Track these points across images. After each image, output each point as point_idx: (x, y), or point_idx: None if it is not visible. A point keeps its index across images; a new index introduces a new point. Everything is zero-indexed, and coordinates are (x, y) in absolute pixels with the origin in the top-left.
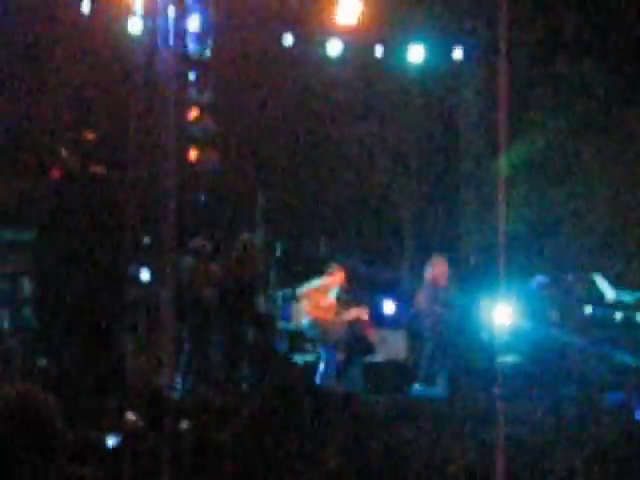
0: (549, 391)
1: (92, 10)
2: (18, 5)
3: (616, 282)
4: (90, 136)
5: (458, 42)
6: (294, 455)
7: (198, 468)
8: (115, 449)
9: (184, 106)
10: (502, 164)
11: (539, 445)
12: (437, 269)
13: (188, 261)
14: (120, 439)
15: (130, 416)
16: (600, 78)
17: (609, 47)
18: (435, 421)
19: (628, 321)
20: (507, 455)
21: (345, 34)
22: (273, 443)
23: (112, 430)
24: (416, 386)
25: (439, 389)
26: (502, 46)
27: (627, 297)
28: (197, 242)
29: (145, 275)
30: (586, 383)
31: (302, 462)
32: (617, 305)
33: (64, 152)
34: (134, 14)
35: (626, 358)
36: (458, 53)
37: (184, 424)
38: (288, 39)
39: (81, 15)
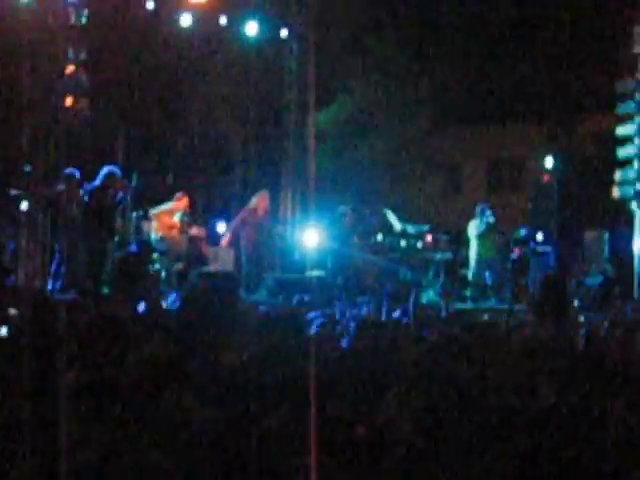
0: (348, 299)
1: None
2: None
3: (403, 217)
4: None
5: (285, 18)
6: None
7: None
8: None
9: (62, 63)
10: (313, 121)
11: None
12: (260, 201)
13: (60, 187)
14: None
15: (12, 311)
16: (398, 53)
17: (406, 28)
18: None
19: (410, 247)
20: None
21: (195, 8)
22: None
23: None
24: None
25: (261, 295)
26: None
27: (411, 229)
28: (67, 171)
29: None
30: (378, 293)
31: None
32: (403, 235)
33: None
34: None
35: (407, 274)
36: (284, 30)
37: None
38: (150, 6)
39: None
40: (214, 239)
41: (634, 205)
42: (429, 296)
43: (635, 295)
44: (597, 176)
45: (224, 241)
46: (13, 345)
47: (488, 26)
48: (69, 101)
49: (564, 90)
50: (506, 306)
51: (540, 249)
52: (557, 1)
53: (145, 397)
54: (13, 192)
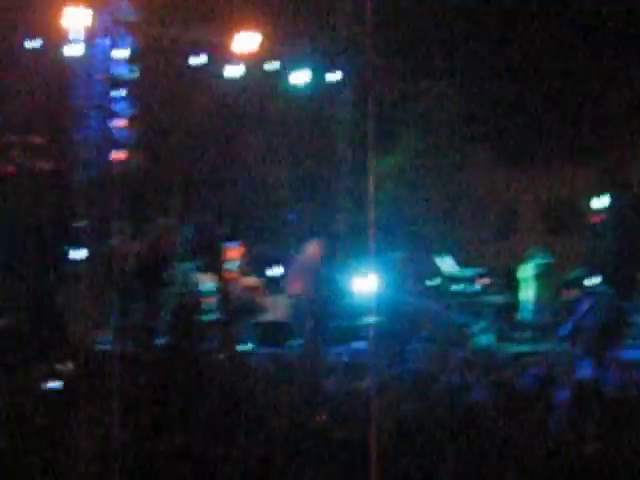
0: (405, 345)
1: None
2: None
3: (459, 261)
4: (37, 140)
5: (336, 66)
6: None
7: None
8: (56, 392)
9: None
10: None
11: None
12: (315, 249)
13: (116, 240)
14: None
15: (69, 365)
16: (453, 99)
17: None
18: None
19: (465, 291)
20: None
21: (245, 58)
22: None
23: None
24: (297, 342)
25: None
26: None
27: (465, 273)
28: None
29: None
30: (435, 339)
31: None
32: (457, 279)
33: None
34: (76, 41)
35: (459, 318)
36: (337, 75)
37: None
38: (202, 60)
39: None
40: (270, 287)
41: None
42: (485, 340)
43: None
44: None
45: (292, 288)
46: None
47: (537, 68)
48: (122, 155)
49: (618, 129)
50: (562, 348)
51: (595, 290)
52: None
53: None
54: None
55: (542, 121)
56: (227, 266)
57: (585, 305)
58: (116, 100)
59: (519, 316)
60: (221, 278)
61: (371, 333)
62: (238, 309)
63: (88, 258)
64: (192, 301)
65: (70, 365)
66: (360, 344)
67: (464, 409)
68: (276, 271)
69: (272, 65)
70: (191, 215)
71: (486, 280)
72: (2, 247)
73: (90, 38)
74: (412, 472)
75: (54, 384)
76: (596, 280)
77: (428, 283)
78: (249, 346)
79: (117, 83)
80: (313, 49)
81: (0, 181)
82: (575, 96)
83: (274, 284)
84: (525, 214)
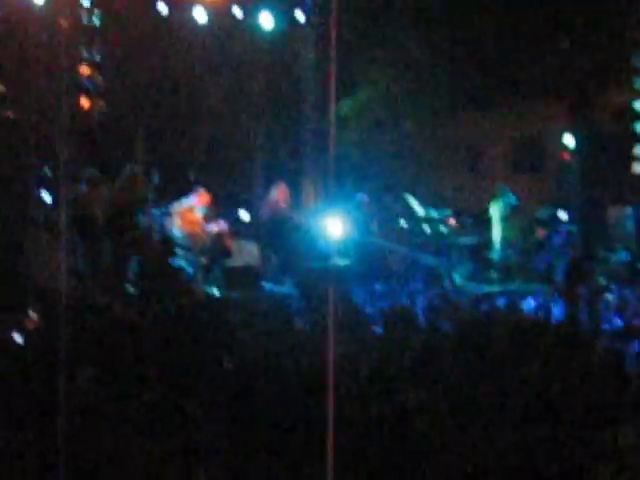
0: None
1: None
2: None
3: (425, 202)
4: (1, 88)
5: (298, 6)
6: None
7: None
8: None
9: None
10: (333, 110)
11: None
12: (280, 193)
13: (82, 188)
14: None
15: (32, 314)
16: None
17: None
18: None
19: (434, 232)
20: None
21: (209, 3)
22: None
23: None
24: (268, 285)
25: (286, 287)
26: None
27: (434, 214)
28: (89, 172)
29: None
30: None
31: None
32: (426, 220)
33: None
34: None
35: (430, 260)
36: (300, 16)
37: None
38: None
39: None
40: (237, 231)
41: None
42: (455, 280)
43: None
44: (618, 152)
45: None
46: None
47: (500, 6)
48: (85, 102)
49: (581, 66)
50: (532, 287)
51: (564, 229)
52: None
53: None
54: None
55: (506, 61)
56: (195, 212)
57: (554, 244)
58: (80, 48)
59: (489, 256)
60: (188, 223)
61: (341, 274)
62: (206, 254)
63: (55, 205)
64: (162, 247)
65: (36, 315)
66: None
67: (429, 349)
68: (243, 216)
69: (237, 9)
70: (158, 162)
71: (454, 221)
72: None
73: None
74: (374, 406)
75: (20, 335)
76: (564, 218)
77: (399, 224)
78: (218, 290)
79: (81, 31)
80: None
81: None
82: (541, 33)
83: (241, 229)
84: (491, 154)
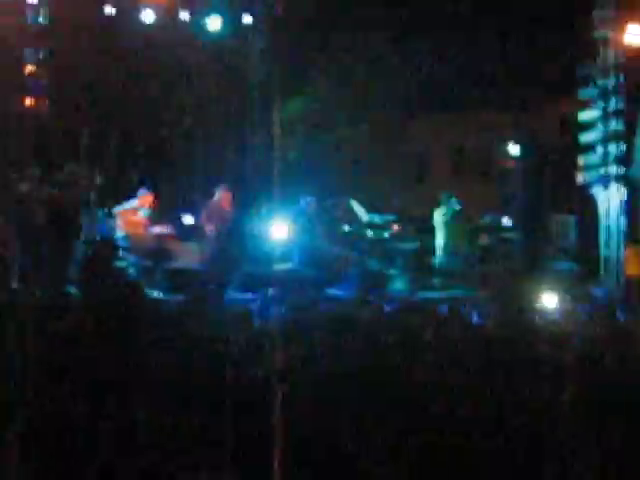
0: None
1: None
2: None
3: (370, 207)
4: None
5: (247, 11)
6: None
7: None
8: None
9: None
10: (278, 113)
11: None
12: (223, 195)
13: (25, 187)
14: None
15: None
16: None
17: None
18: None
19: (377, 237)
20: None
21: (156, 4)
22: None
23: None
24: (211, 287)
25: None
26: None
27: (377, 219)
28: (30, 171)
29: None
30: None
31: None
32: (369, 225)
33: None
34: None
35: (374, 264)
36: (248, 20)
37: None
38: (109, 10)
39: None
40: (180, 234)
41: (597, 190)
42: (396, 285)
43: (601, 278)
44: (562, 161)
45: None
46: None
47: (449, 14)
48: (28, 101)
49: (528, 76)
50: (473, 294)
51: (507, 236)
52: None
53: None
54: None
55: (456, 67)
56: (139, 213)
57: (497, 251)
58: (25, 47)
59: (431, 261)
60: (131, 225)
61: (284, 279)
62: (148, 256)
63: None
64: (104, 248)
65: None
66: (273, 290)
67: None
68: (186, 218)
69: (184, 12)
70: (100, 162)
71: (398, 227)
72: None
73: None
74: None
75: None
76: (507, 225)
77: (344, 229)
78: (157, 292)
79: (27, 30)
80: None
81: None
82: (489, 42)
83: (184, 231)
84: (437, 161)
